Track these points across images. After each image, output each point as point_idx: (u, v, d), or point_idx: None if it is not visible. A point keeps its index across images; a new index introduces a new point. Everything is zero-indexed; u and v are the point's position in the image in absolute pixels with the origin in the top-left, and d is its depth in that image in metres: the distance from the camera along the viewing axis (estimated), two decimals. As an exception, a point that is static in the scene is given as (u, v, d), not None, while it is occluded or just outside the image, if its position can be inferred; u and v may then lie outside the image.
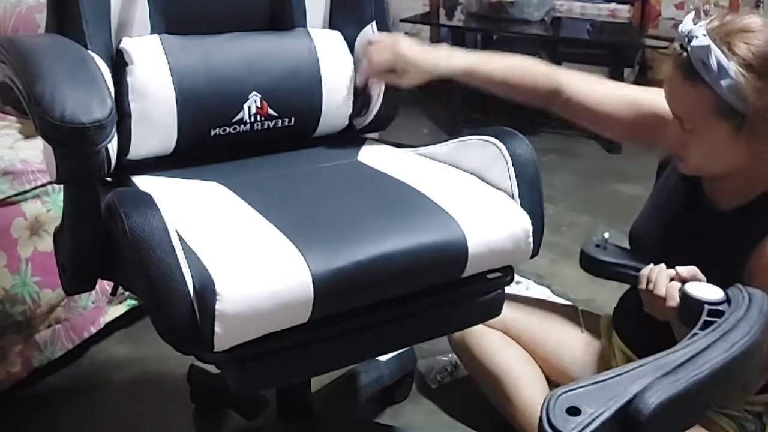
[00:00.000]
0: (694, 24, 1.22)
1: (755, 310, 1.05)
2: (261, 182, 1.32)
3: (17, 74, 1.04)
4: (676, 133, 1.29)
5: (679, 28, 1.24)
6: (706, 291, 1.15)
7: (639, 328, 1.47)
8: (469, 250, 1.17)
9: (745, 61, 1.18)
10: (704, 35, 1.19)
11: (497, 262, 1.25)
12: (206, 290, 0.99)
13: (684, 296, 1.18)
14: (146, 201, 1.05)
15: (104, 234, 1.10)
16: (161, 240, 1.01)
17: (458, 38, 3.37)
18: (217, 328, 0.99)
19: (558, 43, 3.47)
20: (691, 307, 1.14)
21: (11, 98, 1.18)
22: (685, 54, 1.22)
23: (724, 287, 1.15)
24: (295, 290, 1.03)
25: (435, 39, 3.99)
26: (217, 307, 0.98)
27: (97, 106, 0.99)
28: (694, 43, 1.19)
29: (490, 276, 1.26)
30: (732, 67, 1.17)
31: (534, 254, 1.26)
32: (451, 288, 1.22)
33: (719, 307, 1.09)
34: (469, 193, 1.27)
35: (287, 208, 1.20)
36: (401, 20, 3.63)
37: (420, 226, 1.16)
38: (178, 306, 1.01)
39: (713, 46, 1.17)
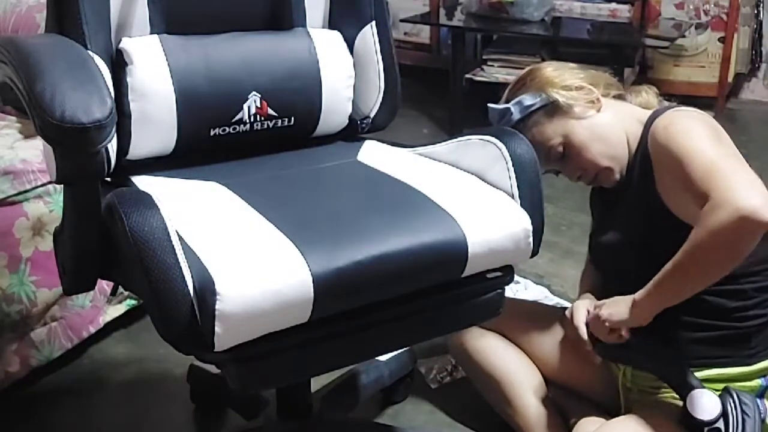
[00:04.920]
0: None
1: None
2: (261, 182, 1.32)
3: (17, 74, 1.04)
4: (569, 167, 1.51)
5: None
6: (706, 404, 1.32)
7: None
8: (469, 250, 1.17)
9: (519, 84, 1.55)
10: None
11: (497, 262, 1.25)
12: (206, 290, 0.99)
13: (686, 413, 1.33)
14: (146, 201, 1.04)
15: (104, 234, 1.10)
16: (161, 240, 1.01)
17: (458, 38, 3.37)
18: (217, 328, 0.99)
19: (558, 43, 3.46)
20: (692, 424, 1.32)
21: (11, 98, 1.17)
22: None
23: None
24: (295, 290, 1.03)
25: (435, 39, 3.99)
26: (217, 306, 0.98)
27: (97, 106, 0.98)
28: (504, 121, 1.51)
29: (489, 276, 1.26)
30: (522, 94, 1.52)
31: (534, 254, 1.26)
32: (451, 288, 1.22)
33: (717, 425, 1.30)
34: (469, 193, 1.27)
35: (287, 208, 1.19)
36: (401, 20, 3.63)
37: (420, 226, 1.16)
38: (178, 306, 1.00)
39: (511, 105, 1.51)
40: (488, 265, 1.24)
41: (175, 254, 1.01)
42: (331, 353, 1.17)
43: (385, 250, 1.10)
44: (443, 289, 1.21)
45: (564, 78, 1.51)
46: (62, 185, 1.16)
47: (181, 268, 1.01)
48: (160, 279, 1.00)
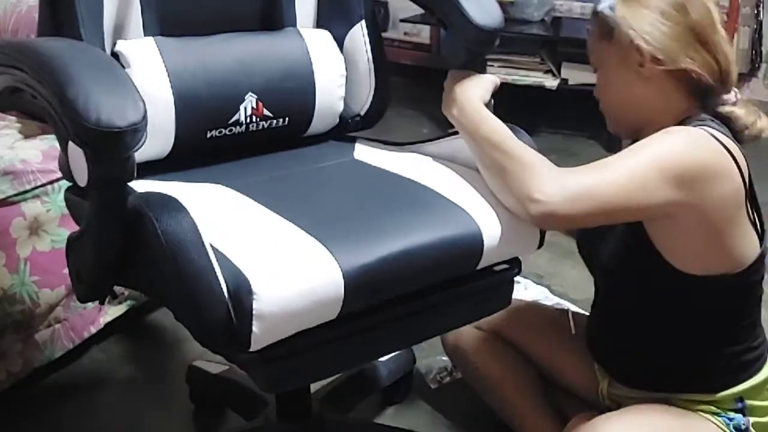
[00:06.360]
0: None
1: None
2: (266, 183, 1.31)
3: (41, 80, 1.01)
4: (596, 83, 1.42)
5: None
6: None
7: (606, 349, 1.50)
8: (485, 243, 1.19)
9: None
10: None
11: (507, 254, 1.27)
12: (242, 290, 0.99)
13: None
14: (174, 203, 1.03)
15: (125, 240, 1.08)
16: (194, 242, 1.00)
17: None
18: (254, 328, 1.00)
19: (558, 43, 3.46)
20: None
21: (10, 104, 1.16)
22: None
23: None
24: (327, 288, 1.04)
25: (435, 39, 4.00)
26: (254, 306, 0.99)
27: (130, 109, 0.97)
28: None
29: (497, 268, 1.28)
30: None
31: (540, 245, 1.29)
32: (466, 280, 1.24)
33: None
34: (474, 187, 1.29)
35: (302, 208, 1.20)
36: (401, 20, 3.63)
37: (437, 221, 1.18)
38: (215, 307, 1.00)
39: None
40: (500, 257, 1.26)
41: (208, 256, 1.01)
42: (356, 349, 1.18)
43: (408, 245, 1.12)
44: (459, 282, 1.23)
45: (645, 27, 1.30)
46: (63, 187, 1.15)
47: (214, 269, 1.00)
48: (196, 281, 0.99)
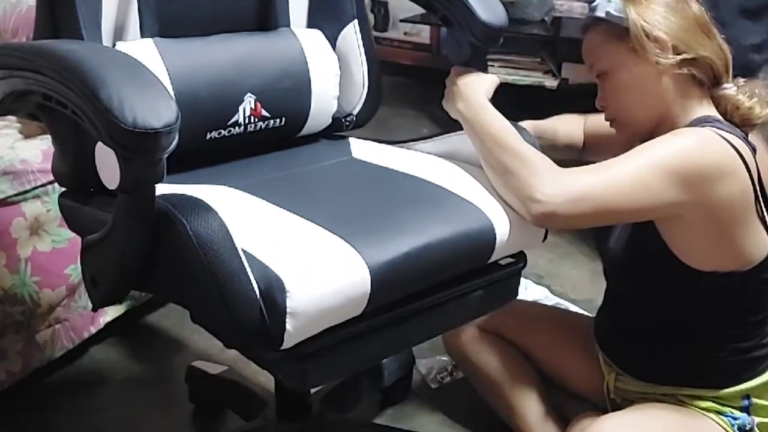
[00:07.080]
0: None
1: None
2: (271, 183, 1.32)
3: (68, 83, 0.99)
4: (600, 92, 1.40)
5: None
6: None
7: (615, 340, 1.50)
8: (497, 237, 1.22)
9: None
10: None
11: (515, 247, 1.29)
12: (274, 288, 1.00)
13: None
14: (202, 204, 1.03)
15: (151, 243, 1.07)
16: (225, 242, 1.00)
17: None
18: (288, 326, 1.00)
19: (558, 43, 3.46)
20: None
21: (13, 109, 1.15)
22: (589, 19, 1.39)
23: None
24: (355, 284, 1.05)
25: (435, 39, 4.00)
26: (288, 304, 0.99)
27: (164, 110, 0.96)
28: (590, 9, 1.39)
29: (504, 262, 1.31)
30: None
31: (544, 238, 1.32)
32: (477, 274, 1.26)
33: None
34: (479, 182, 1.30)
35: (316, 206, 1.20)
36: (401, 20, 3.63)
37: (451, 216, 1.20)
38: (247, 306, 1.00)
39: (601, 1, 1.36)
40: (509, 250, 1.28)
41: (239, 256, 1.00)
42: (378, 344, 1.19)
43: (428, 240, 1.14)
44: (471, 276, 1.25)
45: (659, 19, 1.32)
46: (62, 188, 1.15)
47: (246, 269, 1.00)
48: (229, 281, 0.99)
